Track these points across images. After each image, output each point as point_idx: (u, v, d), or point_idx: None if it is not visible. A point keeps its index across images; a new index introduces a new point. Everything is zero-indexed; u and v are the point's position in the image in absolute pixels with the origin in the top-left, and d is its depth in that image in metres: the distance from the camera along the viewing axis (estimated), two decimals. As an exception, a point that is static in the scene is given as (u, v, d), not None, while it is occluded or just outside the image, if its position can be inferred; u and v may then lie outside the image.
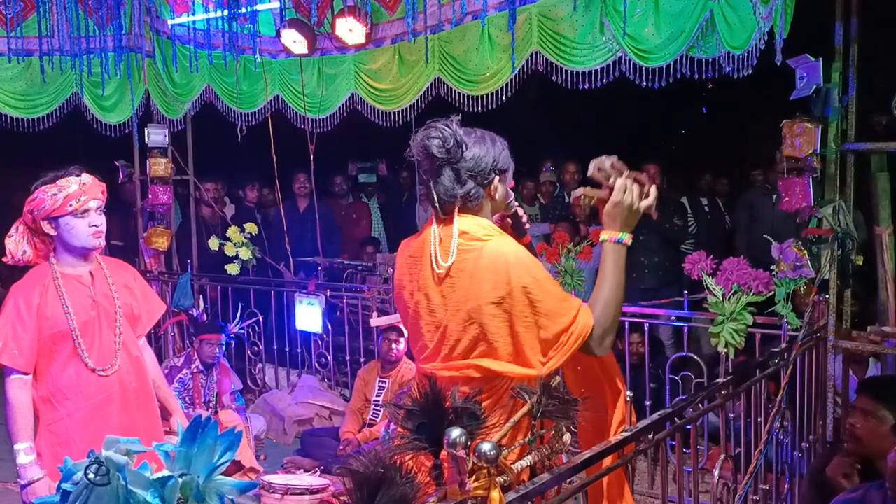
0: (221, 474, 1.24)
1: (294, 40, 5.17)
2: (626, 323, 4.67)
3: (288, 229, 6.50)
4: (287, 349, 6.14)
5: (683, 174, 7.43)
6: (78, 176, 2.84)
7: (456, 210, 2.07)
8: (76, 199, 2.79)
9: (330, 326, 5.81)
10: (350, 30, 4.97)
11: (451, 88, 4.75)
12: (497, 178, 2.10)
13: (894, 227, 3.76)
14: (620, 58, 4.03)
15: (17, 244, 2.90)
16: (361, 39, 5.02)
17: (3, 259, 2.94)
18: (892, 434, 2.67)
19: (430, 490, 1.60)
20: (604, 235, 2.10)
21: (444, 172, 2.05)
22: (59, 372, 2.83)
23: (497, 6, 4.47)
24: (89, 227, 2.82)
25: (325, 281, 6.17)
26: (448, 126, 2.04)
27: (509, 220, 2.29)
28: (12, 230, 2.92)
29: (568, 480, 1.95)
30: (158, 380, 3.16)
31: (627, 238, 2.09)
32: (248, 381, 6.11)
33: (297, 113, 5.57)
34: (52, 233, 2.83)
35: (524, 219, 2.32)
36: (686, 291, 4.44)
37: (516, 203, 2.29)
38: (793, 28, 3.50)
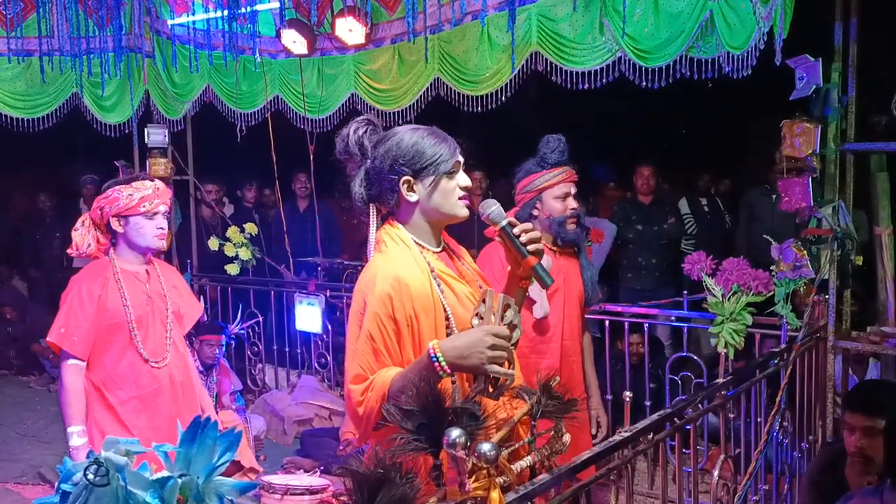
0: (221, 475, 1.24)
1: (294, 40, 5.17)
2: (626, 323, 4.67)
3: (288, 230, 6.50)
4: (287, 349, 6.14)
5: (683, 174, 7.43)
6: (152, 181, 3.07)
7: (373, 214, 2.00)
8: (150, 201, 3.00)
9: (330, 326, 5.81)
10: (350, 30, 4.97)
11: (450, 88, 4.75)
12: (409, 178, 1.93)
13: (894, 227, 3.76)
14: (620, 58, 4.03)
15: (83, 237, 3.08)
16: (361, 39, 5.02)
17: (68, 250, 3.13)
18: (881, 435, 2.65)
19: (430, 490, 1.59)
20: (433, 342, 1.80)
21: (359, 174, 2.00)
22: (113, 361, 3.00)
23: (497, 6, 4.46)
24: (156, 229, 3.04)
25: (325, 281, 6.17)
26: (354, 125, 1.99)
27: (498, 238, 2.04)
28: (78, 224, 3.11)
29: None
30: (195, 378, 3.31)
31: (444, 365, 1.76)
32: (248, 382, 6.11)
33: (296, 113, 5.57)
34: (120, 230, 3.02)
35: (523, 237, 1.93)
36: (686, 292, 4.44)
37: (502, 217, 1.95)
38: (792, 28, 3.49)
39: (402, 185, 1.94)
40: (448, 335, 1.90)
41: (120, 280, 3.02)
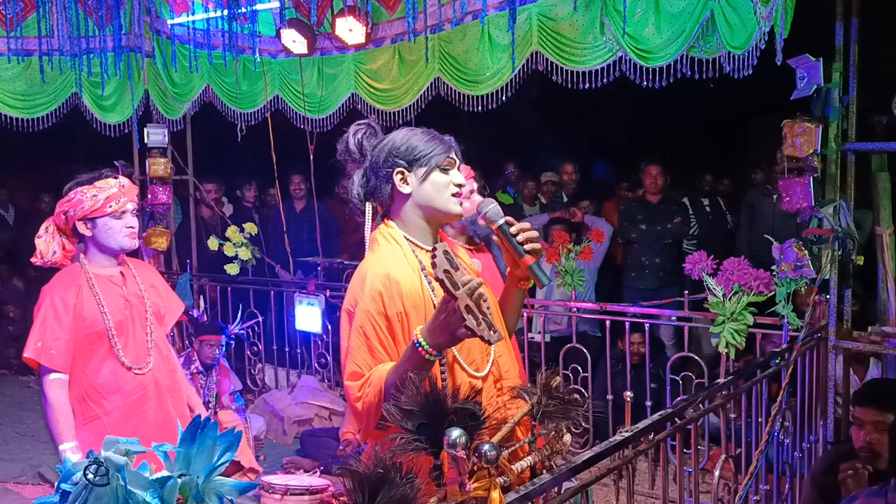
0: (221, 475, 1.24)
1: (294, 40, 5.16)
2: (627, 323, 4.67)
3: (286, 229, 6.50)
4: (287, 349, 6.14)
5: (685, 174, 7.42)
6: (116, 178, 2.89)
7: (368, 213, 2.02)
8: (116, 200, 2.84)
9: (330, 326, 5.81)
10: (350, 29, 4.97)
11: (451, 88, 4.75)
12: (403, 170, 1.95)
13: (895, 227, 3.76)
14: (621, 58, 4.02)
15: (48, 245, 2.91)
16: (361, 39, 5.02)
17: (32, 259, 2.95)
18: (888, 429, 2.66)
19: (431, 491, 1.59)
20: (417, 329, 1.78)
21: (357, 173, 2.03)
22: (95, 371, 2.85)
23: (497, 6, 4.46)
24: (126, 229, 2.87)
25: (324, 281, 6.17)
26: (353, 128, 2.02)
27: (495, 237, 2.02)
28: (41, 231, 2.92)
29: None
30: (181, 378, 3.20)
31: (428, 348, 1.74)
32: (248, 382, 6.11)
33: (296, 113, 5.57)
34: (88, 233, 2.86)
35: (520, 236, 1.94)
36: (687, 291, 4.44)
37: (499, 216, 1.95)
38: (793, 28, 3.49)
39: (396, 175, 1.96)
40: None
41: (94, 286, 2.85)
